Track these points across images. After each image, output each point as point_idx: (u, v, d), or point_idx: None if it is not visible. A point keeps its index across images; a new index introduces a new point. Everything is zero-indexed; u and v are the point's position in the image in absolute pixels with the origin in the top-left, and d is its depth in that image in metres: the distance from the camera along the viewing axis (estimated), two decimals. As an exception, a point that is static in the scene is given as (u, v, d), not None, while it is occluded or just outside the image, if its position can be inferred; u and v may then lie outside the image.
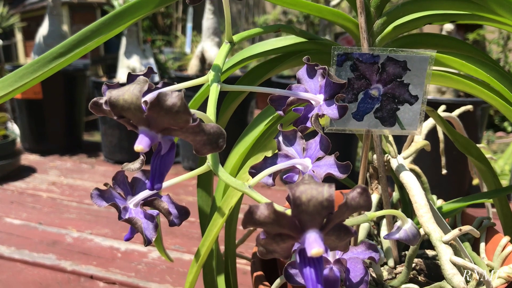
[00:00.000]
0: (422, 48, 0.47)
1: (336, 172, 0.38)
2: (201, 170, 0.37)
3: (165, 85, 0.40)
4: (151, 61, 2.07)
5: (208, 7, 1.86)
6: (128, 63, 1.98)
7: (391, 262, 0.55)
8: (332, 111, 0.41)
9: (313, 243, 0.26)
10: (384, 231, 0.56)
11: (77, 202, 1.46)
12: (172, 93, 0.27)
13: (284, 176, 0.41)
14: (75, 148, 2.18)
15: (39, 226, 1.27)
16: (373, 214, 0.34)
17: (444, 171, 0.70)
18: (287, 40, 0.53)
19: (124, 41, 2.01)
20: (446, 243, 0.46)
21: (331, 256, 0.39)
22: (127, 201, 0.39)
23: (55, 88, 2.08)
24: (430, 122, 0.68)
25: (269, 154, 0.51)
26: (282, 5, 0.49)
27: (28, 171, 1.81)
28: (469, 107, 0.76)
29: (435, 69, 0.53)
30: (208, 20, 1.89)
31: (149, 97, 0.35)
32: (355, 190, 0.27)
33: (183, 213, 0.41)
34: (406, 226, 0.35)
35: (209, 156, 0.36)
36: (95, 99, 0.30)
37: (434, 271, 0.55)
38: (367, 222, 0.55)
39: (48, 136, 2.12)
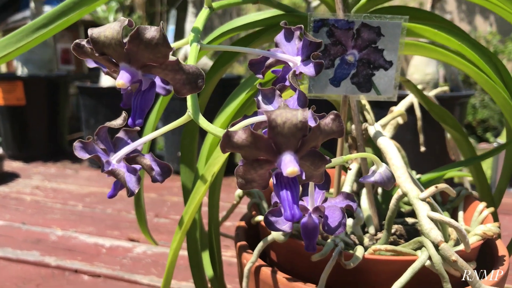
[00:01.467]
0: (395, 16, 0.49)
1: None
2: (182, 121, 0.38)
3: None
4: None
5: (191, 10, 1.88)
6: (112, 68, 1.98)
7: (371, 230, 0.56)
8: (308, 69, 0.42)
9: (289, 163, 0.27)
10: (364, 199, 0.58)
11: (61, 204, 1.45)
12: (151, 27, 0.28)
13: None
14: (59, 155, 2.16)
15: (22, 226, 1.26)
16: (348, 156, 0.35)
17: (422, 148, 0.72)
18: (266, 14, 0.55)
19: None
20: (423, 200, 0.48)
21: (310, 204, 0.40)
22: (109, 157, 0.40)
23: (38, 95, 2.08)
24: (408, 100, 0.70)
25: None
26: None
27: (12, 176, 1.80)
28: (446, 88, 0.78)
29: (408, 39, 0.55)
30: (191, 23, 1.91)
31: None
32: (328, 116, 0.28)
33: (166, 170, 0.42)
34: (381, 170, 0.36)
35: (189, 106, 0.37)
36: (77, 40, 0.31)
37: (414, 236, 0.56)
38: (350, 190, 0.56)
39: (31, 142, 2.10)
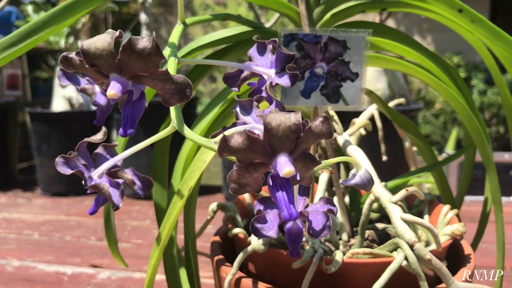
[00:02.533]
0: (359, 30, 0.52)
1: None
2: (167, 132, 0.38)
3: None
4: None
5: (145, 33, 1.88)
6: (64, 93, 1.94)
7: (344, 236, 0.58)
8: (284, 81, 0.44)
9: (284, 164, 0.28)
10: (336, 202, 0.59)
11: (15, 234, 1.39)
12: (143, 37, 0.29)
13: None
14: (9, 184, 2.08)
15: (-25, 259, 1.20)
16: (330, 160, 0.36)
17: (384, 158, 0.74)
18: (234, 30, 0.56)
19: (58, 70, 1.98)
20: (395, 203, 0.50)
21: (293, 210, 0.41)
22: (90, 173, 0.40)
23: (-15, 122, 2.00)
24: (369, 112, 0.73)
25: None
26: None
27: (-42, 209, 1.71)
28: (402, 100, 0.82)
29: (372, 52, 0.58)
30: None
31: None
32: (318, 118, 0.30)
33: (147, 184, 0.42)
34: (360, 172, 0.38)
35: (173, 117, 0.37)
36: (64, 53, 0.31)
37: (385, 240, 0.58)
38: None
39: (-21, 172, 2.01)
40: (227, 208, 0.59)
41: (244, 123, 0.43)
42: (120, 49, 0.29)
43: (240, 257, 0.50)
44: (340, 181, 0.42)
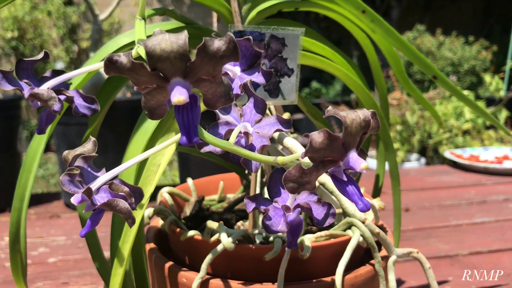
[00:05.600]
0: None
1: (282, 129, 0.42)
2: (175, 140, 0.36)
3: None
4: None
5: None
6: None
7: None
8: (257, 78, 0.45)
9: (358, 160, 0.30)
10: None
11: None
12: (219, 38, 0.27)
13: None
14: None
15: None
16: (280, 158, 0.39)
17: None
18: (169, 25, 0.54)
19: None
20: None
21: (289, 202, 0.42)
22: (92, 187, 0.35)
23: None
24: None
25: (172, 135, 0.51)
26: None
27: None
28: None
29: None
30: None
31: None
32: (368, 111, 0.32)
33: (138, 196, 0.38)
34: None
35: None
36: (109, 55, 0.27)
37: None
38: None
39: None
40: (166, 212, 0.57)
41: (227, 122, 0.43)
42: (196, 51, 0.27)
43: (209, 258, 0.49)
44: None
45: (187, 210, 0.65)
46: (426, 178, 1.61)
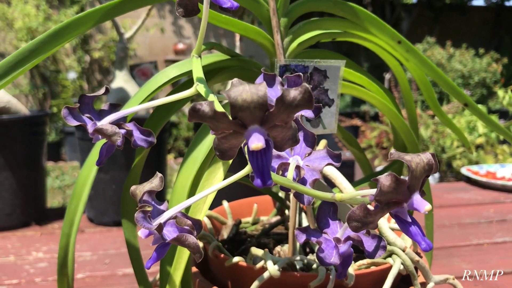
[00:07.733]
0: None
1: (332, 163, 0.44)
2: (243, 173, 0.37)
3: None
4: None
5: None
6: None
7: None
8: (307, 112, 0.46)
9: (422, 201, 0.31)
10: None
11: None
12: (293, 88, 0.29)
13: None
14: None
15: None
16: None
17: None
18: (214, 57, 0.56)
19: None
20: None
21: (340, 234, 0.43)
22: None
23: None
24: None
25: (219, 165, 0.53)
26: (217, 24, 0.52)
27: None
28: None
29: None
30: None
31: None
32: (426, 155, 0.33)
33: (198, 227, 0.40)
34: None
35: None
36: (193, 104, 0.29)
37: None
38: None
39: None
40: (209, 237, 0.58)
41: (279, 156, 0.45)
42: (275, 102, 0.28)
43: (255, 285, 0.50)
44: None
45: (225, 233, 0.67)
46: (444, 195, 1.61)
